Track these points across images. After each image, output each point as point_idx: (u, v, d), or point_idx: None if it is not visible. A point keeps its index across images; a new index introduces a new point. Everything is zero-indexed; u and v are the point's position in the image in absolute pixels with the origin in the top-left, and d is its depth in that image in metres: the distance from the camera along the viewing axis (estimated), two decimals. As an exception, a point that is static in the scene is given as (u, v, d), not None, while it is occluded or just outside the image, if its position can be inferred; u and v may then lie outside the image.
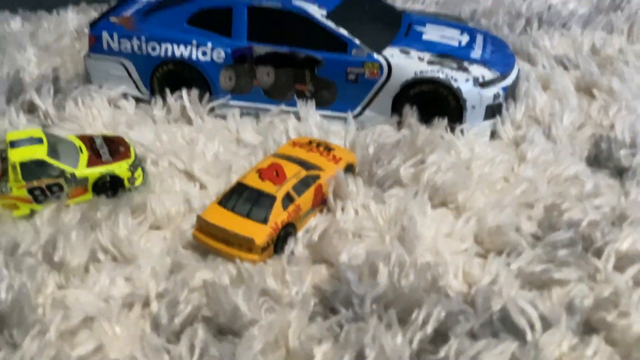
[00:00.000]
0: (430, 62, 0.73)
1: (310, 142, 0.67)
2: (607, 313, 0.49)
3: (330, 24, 0.75)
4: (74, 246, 0.55)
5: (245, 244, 0.55)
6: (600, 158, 0.68)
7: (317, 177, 0.61)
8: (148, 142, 0.71)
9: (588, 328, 0.49)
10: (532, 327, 0.48)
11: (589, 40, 0.94)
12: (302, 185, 0.60)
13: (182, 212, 0.62)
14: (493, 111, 0.73)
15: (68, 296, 0.51)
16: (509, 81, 0.75)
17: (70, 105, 0.78)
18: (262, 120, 0.77)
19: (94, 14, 1.05)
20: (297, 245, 0.57)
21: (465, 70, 0.72)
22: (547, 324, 0.48)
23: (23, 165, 0.59)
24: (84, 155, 0.64)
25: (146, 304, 0.52)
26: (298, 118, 0.76)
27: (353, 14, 0.78)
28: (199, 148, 0.71)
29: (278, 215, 0.57)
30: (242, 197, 0.58)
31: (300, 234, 0.59)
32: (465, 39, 0.79)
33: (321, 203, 0.62)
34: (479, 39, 0.80)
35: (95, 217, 0.59)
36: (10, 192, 0.60)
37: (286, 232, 0.57)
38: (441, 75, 0.72)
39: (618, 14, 1.05)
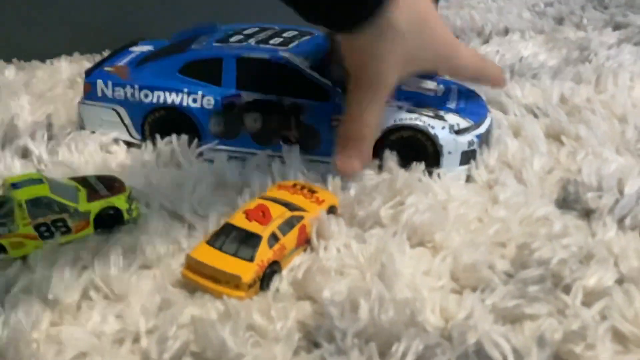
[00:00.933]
0: (408, 111, 0.77)
1: (294, 185, 0.70)
2: (575, 345, 0.52)
3: (315, 74, 0.79)
4: (67, 285, 0.57)
5: (233, 281, 0.57)
6: (568, 200, 0.72)
7: (301, 217, 0.64)
8: (139, 185, 0.74)
9: None
10: (505, 359, 0.50)
11: (558, 90, 1.00)
12: (287, 225, 0.63)
13: (171, 252, 0.64)
14: (468, 157, 0.78)
15: (62, 332, 0.53)
16: (482, 129, 0.79)
17: (63, 150, 0.81)
18: (249, 164, 0.81)
19: (86, 63, 1.10)
20: (282, 283, 0.60)
21: (441, 118, 0.77)
22: (519, 356, 0.51)
23: (29, 202, 0.62)
24: (82, 192, 0.67)
25: (136, 339, 0.53)
26: (283, 162, 0.80)
27: (337, 65, 0.83)
28: (188, 191, 0.73)
29: (264, 254, 0.59)
30: (230, 237, 0.61)
31: (284, 271, 0.62)
32: (441, 90, 0.84)
33: (305, 242, 0.65)
34: (454, 90, 0.85)
35: (87, 257, 0.61)
36: (18, 230, 0.62)
37: (271, 269, 0.60)
38: (419, 123, 0.76)
39: (586, 65, 1.11)
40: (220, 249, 0.60)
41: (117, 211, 0.67)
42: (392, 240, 0.64)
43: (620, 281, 0.59)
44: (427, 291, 0.59)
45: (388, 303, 0.54)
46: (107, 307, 0.57)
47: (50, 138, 0.85)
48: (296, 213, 0.65)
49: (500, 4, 1.53)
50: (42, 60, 1.13)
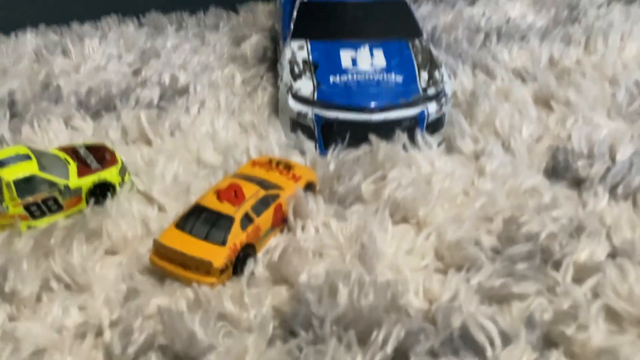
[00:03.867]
0: None
1: (270, 161, 0.66)
2: (566, 327, 0.49)
3: None
4: (25, 275, 0.53)
5: (203, 267, 0.54)
6: (558, 169, 0.69)
7: (277, 196, 0.61)
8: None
9: (548, 342, 0.49)
10: (491, 343, 0.47)
11: (546, 52, 0.95)
12: (261, 205, 0.59)
13: (140, 236, 0.60)
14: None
15: (19, 328, 0.49)
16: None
17: (27, 129, 0.76)
18: (223, 140, 0.76)
19: (53, 36, 1.04)
20: (257, 266, 0.56)
21: None
22: (506, 340, 0.48)
23: (17, 182, 0.59)
24: (73, 166, 0.63)
25: (99, 333, 0.50)
26: (259, 136, 0.75)
27: None
28: (159, 169, 0.69)
29: (237, 237, 0.56)
30: (200, 219, 0.57)
31: (260, 254, 0.58)
32: None
33: (281, 222, 0.61)
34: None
35: (48, 244, 0.57)
36: (7, 211, 0.59)
37: (245, 253, 0.56)
38: None
39: (575, 26, 1.06)
40: (190, 232, 0.56)
41: (109, 185, 0.64)
42: (373, 218, 0.61)
43: (613, 255, 0.56)
44: (410, 272, 0.55)
45: (368, 286, 0.51)
46: (69, 299, 0.53)
47: (13, 116, 0.80)
48: (271, 191, 0.61)
49: (487, -37, 1.47)
50: (6, 32, 1.06)
